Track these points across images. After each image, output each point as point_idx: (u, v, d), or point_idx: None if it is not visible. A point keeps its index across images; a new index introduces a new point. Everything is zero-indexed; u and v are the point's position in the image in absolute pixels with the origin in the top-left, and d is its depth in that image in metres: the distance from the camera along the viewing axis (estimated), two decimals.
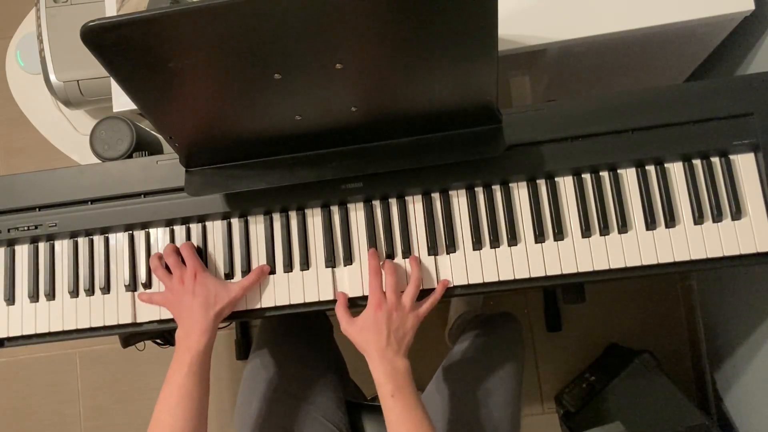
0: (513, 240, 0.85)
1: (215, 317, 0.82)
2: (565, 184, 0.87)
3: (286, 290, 0.87)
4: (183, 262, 0.86)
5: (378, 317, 0.80)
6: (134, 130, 0.92)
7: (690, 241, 0.84)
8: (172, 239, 0.90)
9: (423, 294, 0.85)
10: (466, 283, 0.85)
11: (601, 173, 0.86)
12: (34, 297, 0.91)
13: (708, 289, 1.50)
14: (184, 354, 0.79)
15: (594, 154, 0.85)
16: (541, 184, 0.87)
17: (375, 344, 0.79)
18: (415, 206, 0.88)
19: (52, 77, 1.09)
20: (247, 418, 0.95)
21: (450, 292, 0.85)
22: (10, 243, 0.92)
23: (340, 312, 0.83)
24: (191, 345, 0.79)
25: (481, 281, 0.85)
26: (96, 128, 0.93)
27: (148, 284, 0.90)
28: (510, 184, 0.87)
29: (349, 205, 0.88)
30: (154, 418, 0.76)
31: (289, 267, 0.88)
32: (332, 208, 0.89)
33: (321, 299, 0.87)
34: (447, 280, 0.85)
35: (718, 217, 0.84)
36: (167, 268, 0.86)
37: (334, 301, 0.86)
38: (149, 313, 0.89)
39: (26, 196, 0.90)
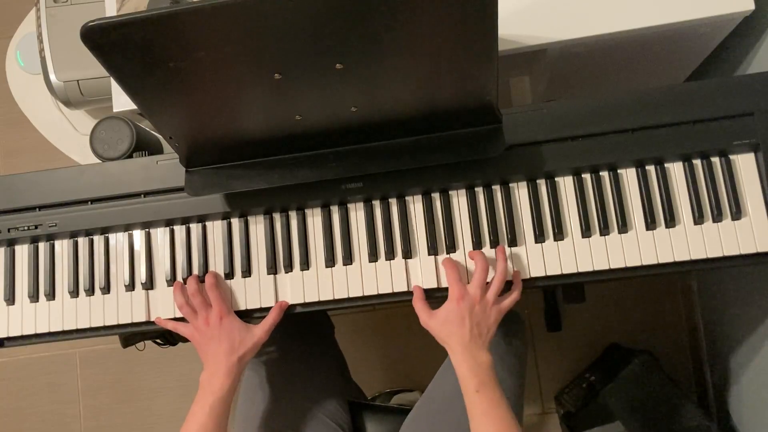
0: (513, 240, 0.85)
1: (239, 361, 0.82)
2: (565, 184, 0.87)
3: (286, 290, 0.87)
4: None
5: (461, 310, 0.79)
6: (134, 130, 0.92)
7: (690, 241, 0.84)
8: (172, 239, 0.90)
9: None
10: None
11: (601, 173, 0.86)
12: (34, 297, 0.91)
13: (708, 289, 1.50)
14: (207, 396, 0.80)
15: (594, 154, 0.85)
16: (541, 184, 0.87)
17: (458, 338, 0.78)
18: (415, 206, 0.88)
19: (52, 77, 1.09)
20: (249, 417, 0.95)
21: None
22: (10, 243, 0.92)
23: (419, 305, 0.83)
24: (215, 389, 0.80)
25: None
26: (96, 128, 0.93)
27: (148, 284, 0.90)
28: (510, 184, 0.87)
29: (349, 205, 0.88)
30: None
31: (289, 267, 0.88)
32: (332, 208, 0.89)
33: (321, 299, 0.87)
34: (519, 272, 0.84)
35: (718, 217, 0.84)
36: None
37: (333, 301, 0.86)
38: (149, 313, 0.89)
39: (26, 196, 0.90)
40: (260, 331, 0.84)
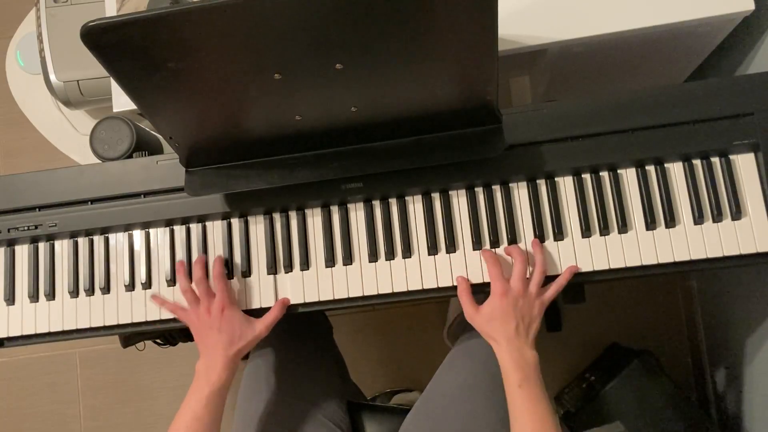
0: (513, 240, 0.85)
1: (237, 353, 0.82)
2: (565, 184, 0.87)
3: (286, 290, 0.87)
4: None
5: (504, 305, 0.79)
6: (134, 130, 0.92)
7: (690, 241, 0.84)
8: (172, 239, 0.90)
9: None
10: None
11: (601, 173, 0.86)
12: (34, 297, 0.91)
13: (708, 289, 1.50)
14: (203, 387, 0.80)
15: (594, 154, 0.85)
16: (541, 184, 0.87)
17: (504, 333, 0.78)
18: (415, 206, 0.88)
19: (52, 77, 1.09)
20: (248, 418, 0.95)
21: (449, 292, 0.85)
22: (10, 243, 0.92)
23: (465, 298, 0.82)
24: (212, 380, 0.80)
25: (481, 281, 0.85)
26: (96, 128, 0.93)
27: (147, 284, 0.90)
28: (510, 184, 0.87)
29: (349, 205, 0.88)
30: None
31: (289, 267, 0.88)
32: (332, 208, 0.89)
33: (321, 299, 0.87)
34: (574, 265, 0.84)
35: (718, 217, 0.84)
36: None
37: (333, 301, 0.86)
38: (149, 313, 0.89)
39: (26, 196, 0.90)
40: (261, 325, 0.84)
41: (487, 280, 0.85)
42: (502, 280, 0.81)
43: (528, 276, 0.82)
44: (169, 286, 0.90)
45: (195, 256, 0.89)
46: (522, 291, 0.80)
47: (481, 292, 0.85)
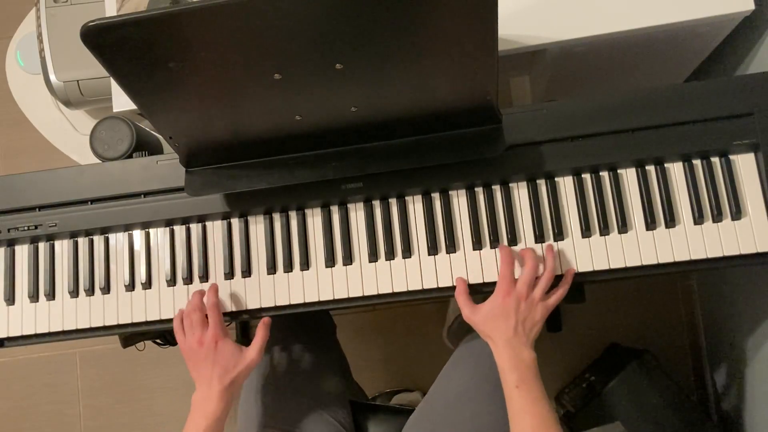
0: (513, 240, 0.85)
1: (232, 383, 0.82)
2: (565, 184, 0.87)
3: (286, 290, 0.87)
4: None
5: (506, 305, 0.79)
6: (134, 130, 0.92)
7: (690, 241, 0.84)
8: (172, 239, 0.90)
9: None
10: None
11: (601, 173, 0.86)
12: (34, 297, 0.91)
13: (708, 289, 1.50)
14: (200, 421, 0.80)
15: (594, 154, 0.85)
16: (541, 184, 0.87)
17: (502, 333, 0.78)
18: (415, 206, 0.88)
19: (52, 77, 1.09)
20: (251, 416, 0.95)
21: (449, 292, 0.85)
22: (10, 243, 0.92)
23: (462, 299, 0.82)
24: (209, 412, 0.80)
25: (481, 281, 0.85)
26: (96, 128, 0.93)
27: (147, 284, 0.90)
28: (510, 184, 0.87)
29: (349, 205, 0.88)
30: None
31: (289, 267, 0.88)
32: (332, 208, 0.89)
33: (321, 299, 0.87)
34: (573, 269, 0.84)
35: (718, 217, 0.84)
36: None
37: (333, 301, 0.86)
38: (149, 313, 0.89)
39: (26, 196, 0.90)
40: (252, 352, 0.84)
41: (486, 280, 0.85)
42: (508, 280, 0.80)
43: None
44: (169, 286, 0.90)
45: (195, 256, 0.89)
46: (526, 295, 0.79)
47: (479, 292, 0.85)
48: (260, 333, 0.85)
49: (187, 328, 0.84)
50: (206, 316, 0.85)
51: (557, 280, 0.83)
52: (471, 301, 0.82)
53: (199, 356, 0.83)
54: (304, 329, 1.07)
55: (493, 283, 0.84)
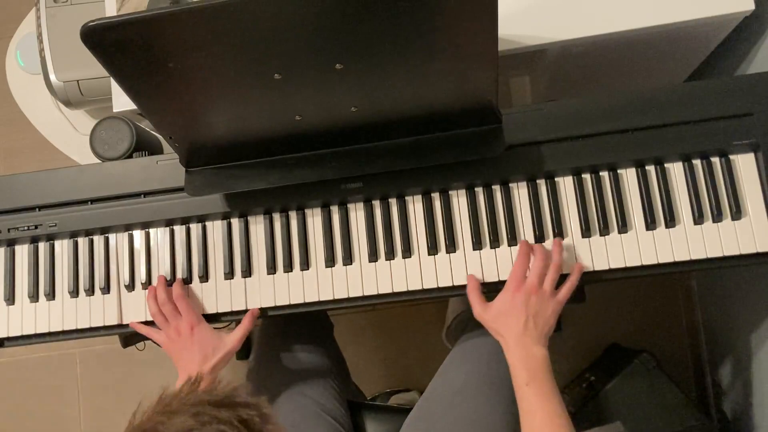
0: (513, 240, 0.85)
1: (212, 369, 0.83)
2: (565, 184, 0.87)
3: (286, 290, 0.87)
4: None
5: (516, 301, 0.78)
6: (134, 130, 0.92)
7: (690, 241, 0.84)
8: (172, 239, 0.90)
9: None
10: (466, 283, 0.85)
11: (601, 173, 0.86)
12: (34, 297, 0.91)
13: (708, 289, 1.50)
14: None
15: (594, 154, 0.85)
16: (541, 184, 0.87)
17: (512, 330, 0.77)
18: (415, 206, 0.88)
19: (52, 77, 1.09)
20: None
21: (449, 292, 0.85)
22: (10, 243, 0.92)
23: (473, 296, 0.82)
24: None
25: (481, 281, 0.85)
26: (96, 128, 0.93)
27: (147, 284, 0.90)
28: (510, 184, 0.87)
29: (349, 205, 0.88)
30: None
31: (289, 267, 0.88)
32: (332, 208, 0.89)
33: (321, 299, 0.87)
34: (582, 264, 0.83)
35: (718, 217, 0.84)
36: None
37: (333, 301, 0.86)
38: (149, 313, 0.89)
39: (26, 196, 0.90)
40: (232, 339, 0.85)
41: (486, 280, 0.85)
42: (518, 276, 0.80)
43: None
44: (168, 286, 0.89)
45: (195, 256, 0.89)
46: (536, 288, 0.79)
47: (488, 291, 0.84)
48: (245, 322, 0.85)
49: (162, 323, 0.85)
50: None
51: (563, 278, 0.83)
52: (483, 298, 0.82)
53: (178, 345, 0.83)
54: (301, 329, 1.07)
55: (493, 283, 0.84)
